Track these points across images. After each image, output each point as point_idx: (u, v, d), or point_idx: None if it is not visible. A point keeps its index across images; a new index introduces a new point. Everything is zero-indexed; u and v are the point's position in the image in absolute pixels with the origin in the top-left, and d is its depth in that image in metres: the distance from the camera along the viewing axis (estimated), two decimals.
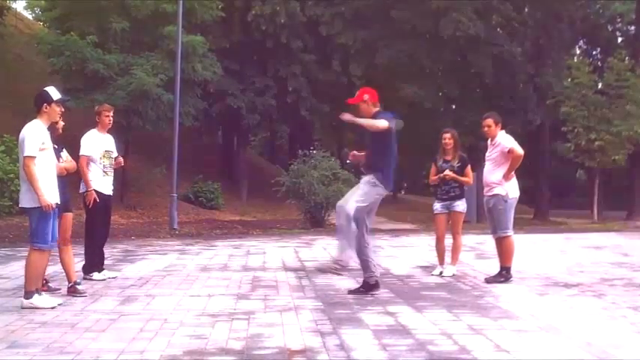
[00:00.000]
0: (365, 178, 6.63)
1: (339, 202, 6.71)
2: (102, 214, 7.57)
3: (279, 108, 26.45)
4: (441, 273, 7.94)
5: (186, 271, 8.48)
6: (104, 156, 7.53)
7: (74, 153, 7.28)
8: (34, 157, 5.68)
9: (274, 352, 4.32)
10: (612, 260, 10.04)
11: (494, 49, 24.86)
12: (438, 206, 8.12)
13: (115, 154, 7.70)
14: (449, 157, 8.07)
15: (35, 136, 5.73)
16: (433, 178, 8.14)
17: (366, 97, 6.68)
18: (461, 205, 8.01)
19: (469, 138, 22.86)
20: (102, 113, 7.63)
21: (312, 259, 9.87)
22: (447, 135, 8.14)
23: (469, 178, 8.05)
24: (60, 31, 17.72)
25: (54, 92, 5.97)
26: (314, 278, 7.74)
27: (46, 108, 5.88)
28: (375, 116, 6.59)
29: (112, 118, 7.72)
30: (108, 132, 7.73)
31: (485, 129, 7.70)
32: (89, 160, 7.39)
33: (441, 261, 8.12)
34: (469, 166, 8.08)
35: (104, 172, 7.52)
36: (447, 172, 7.96)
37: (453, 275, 7.85)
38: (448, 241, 8.15)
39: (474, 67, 25.15)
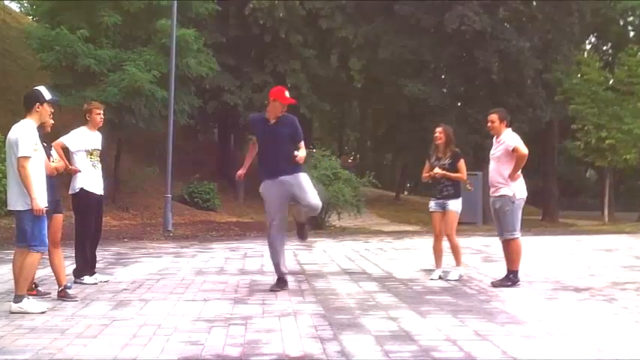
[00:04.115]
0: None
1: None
2: (94, 216, 7.58)
3: None
4: (440, 277, 7.93)
5: (181, 274, 8.48)
6: (92, 154, 7.53)
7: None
8: (30, 158, 5.72)
9: (273, 358, 4.33)
10: (624, 263, 10.04)
11: (501, 44, 24.89)
12: (432, 204, 8.16)
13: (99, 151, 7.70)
14: (440, 154, 8.07)
15: (29, 137, 5.77)
16: (424, 175, 8.17)
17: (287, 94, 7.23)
18: (454, 205, 7.96)
19: (475, 136, 22.93)
20: (93, 111, 7.63)
21: (312, 262, 9.88)
22: (439, 129, 8.12)
23: (462, 173, 8.02)
24: (49, 25, 17.71)
25: (46, 92, 6.03)
26: (314, 282, 7.74)
27: (38, 108, 5.93)
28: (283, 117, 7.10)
29: (102, 116, 7.73)
30: (98, 130, 7.73)
31: (489, 124, 7.71)
32: (64, 148, 7.34)
33: (438, 263, 8.13)
34: (462, 161, 8.03)
35: (93, 166, 7.52)
36: (436, 169, 7.96)
37: (460, 277, 7.82)
38: (447, 243, 8.15)
39: (480, 63, 25.16)
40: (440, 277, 7.92)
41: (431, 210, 8.17)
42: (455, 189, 8.00)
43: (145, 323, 5.35)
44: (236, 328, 5.20)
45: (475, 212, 21.98)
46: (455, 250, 8.04)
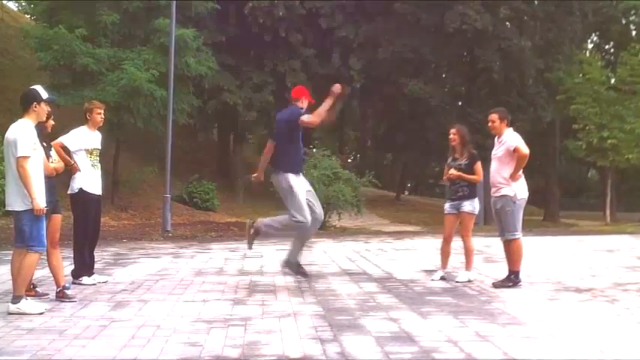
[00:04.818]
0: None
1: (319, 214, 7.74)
2: (92, 216, 7.58)
3: (278, 105, 26.43)
4: (442, 277, 7.91)
5: (180, 275, 8.48)
6: (92, 153, 7.54)
7: None
8: (29, 157, 5.72)
9: None
10: (626, 264, 10.04)
11: (503, 43, 24.91)
12: (447, 206, 8.10)
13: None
14: (457, 155, 8.05)
15: (27, 136, 5.78)
16: (444, 178, 8.18)
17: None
18: (469, 206, 7.91)
19: (476, 136, 22.93)
20: (93, 111, 7.63)
21: (312, 263, 9.87)
22: (452, 130, 8.11)
23: (477, 175, 7.97)
24: (48, 24, 17.71)
25: (42, 91, 6.03)
26: (314, 283, 7.74)
27: (35, 107, 5.93)
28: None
29: (103, 116, 7.73)
30: (97, 130, 7.74)
31: (490, 124, 7.71)
32: (64, 147, 7.36)
33: (444, 264, 8.09)
34: (478, 163, 7.97)
35: (92, 165, 7.53)
36: (452, 170, 7.94)
37: (469, 281, 7.78)
38: (457, 244, 8.14)
39: (481, 62, 25.20)
40: (441, 278, 7.90)
41: (445, 212, 8.09)
42: (470, 189, 7.93)
43: (144, 324, 5.36)
44: (235, 329, 5.20)
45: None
46: (467, 254, 7.95)
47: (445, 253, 8.10)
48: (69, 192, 7.50)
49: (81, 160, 7.42)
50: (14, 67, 23.54)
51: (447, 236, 8.08)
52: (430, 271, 8.76)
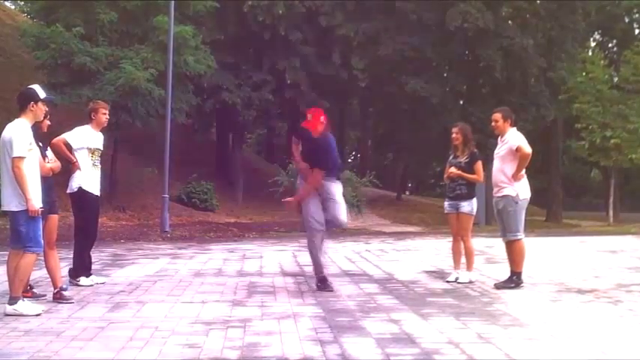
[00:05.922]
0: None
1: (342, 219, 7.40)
2: (93, 214, 7.60)
3: (277, 103, 26.49)
4: (456, 279, 7.87)
5: (179, 276, 8.48)
6: (93, 153, 7.55)
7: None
8: (24, 158, 5.73)
9: None
10: (629, 265, 10.05)
11: (504, 42, 24.90)
12: (446, 205, 8.13)
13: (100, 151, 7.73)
14: (458, 153, 8.06)
15: (23, 136, 5.78)
16: (444, 177, 8.20)
17: (322, 118, 7.34)
18: (467, 206, 7.92)
19: (477, 135, 22.94)
20: (99, 110, 7.65)
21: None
22: (455, 129, 8.12)
23: (478, 174, 7.97)
24: (45, 22, 17.71)
25: (40, 91, 6.04)
26: (313, 284, 7.73)
27: (32, 107, 5.94)
28: (323, 135, 7.33)
29: (108, 116, 7.75)
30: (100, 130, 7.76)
31: (493, 124, 7.73)
32: (67, 144, 7.37)
33: (456, 265, 8.05)
34: (479, 162, 7.98)
35: (93, 165, 7.54)
36: (452, 169, 7.95)
37: (470, 281, 7.77)
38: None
39: (483, 61, 25.18)
40: (456, 279, 7.87)
41: (445, 211, 8.16)
42: (468, 189, 7.94)
43: (142, 326, 5.36)
44: (234, 330, 5.21)
45: (478, 212, 22.01)
46: (468, 255, 7.96)
47: (456, 253, 8.08)
48: (68, 191, 7.52)
49: (82, 158, 7.44)
50: (11, 66, 23.52)
51: (454, 235, 8.11)
52: (431, 272, 8.77)
